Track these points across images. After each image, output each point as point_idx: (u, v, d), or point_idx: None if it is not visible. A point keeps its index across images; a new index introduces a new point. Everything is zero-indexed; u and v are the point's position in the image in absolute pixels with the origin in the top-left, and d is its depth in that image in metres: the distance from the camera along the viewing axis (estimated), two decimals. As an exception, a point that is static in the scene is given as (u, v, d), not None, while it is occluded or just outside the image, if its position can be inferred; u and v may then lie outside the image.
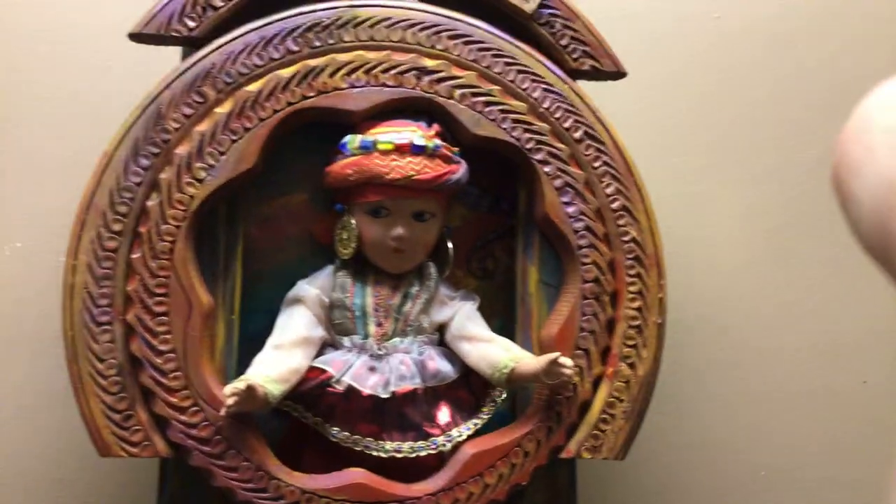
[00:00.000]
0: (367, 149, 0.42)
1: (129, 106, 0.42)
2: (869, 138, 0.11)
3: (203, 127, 0.41)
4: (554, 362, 0.41)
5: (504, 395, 0.45)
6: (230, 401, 0.38)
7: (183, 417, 0.39)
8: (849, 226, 0.12)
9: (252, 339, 0.44)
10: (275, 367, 0.41)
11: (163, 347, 0.40)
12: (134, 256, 0.40)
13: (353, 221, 0.44)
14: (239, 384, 0.38)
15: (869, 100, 0.11)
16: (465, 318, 0.45)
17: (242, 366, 0.42)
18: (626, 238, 0.45)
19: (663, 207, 0.46)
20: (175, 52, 0.45)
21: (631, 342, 0.45)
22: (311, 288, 0.44)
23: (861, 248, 0.11)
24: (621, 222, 0.45)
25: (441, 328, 0.46)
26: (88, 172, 0.41)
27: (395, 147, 0.42)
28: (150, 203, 0.40)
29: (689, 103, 0.60)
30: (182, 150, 0.41)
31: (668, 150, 0.59)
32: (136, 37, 0.42)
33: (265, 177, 0.44)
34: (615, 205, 0.45)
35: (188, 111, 0.41)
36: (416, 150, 0.42)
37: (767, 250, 0.59)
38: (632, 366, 0.45)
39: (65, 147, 0.51)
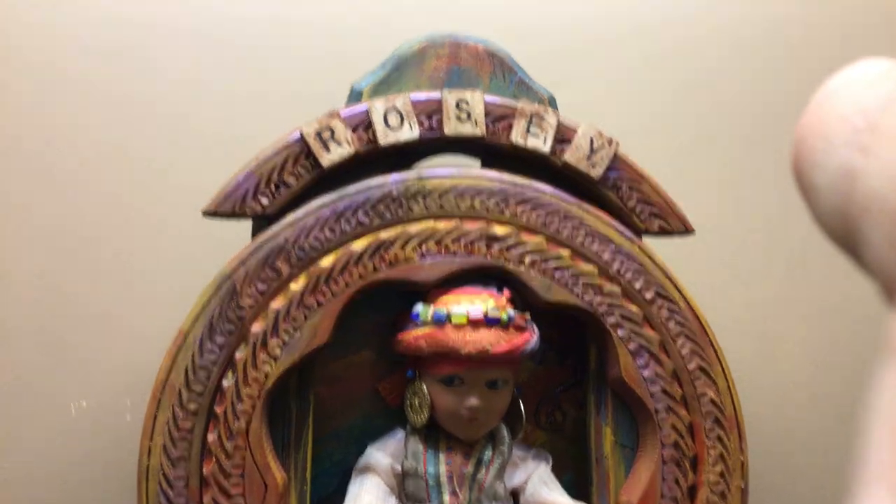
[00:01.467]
0: (441, 321, 0.42)
1: (200, 278, 0.42)
2: (826, 128, 0.11)
3: (278, 304, 0.41)
4: (638, 538, 0.40)
5: (584, 565, 0.43)
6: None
7: None
8: (811, 217, 0.12)
9: (323, 501, 0.43)
10: (349, 548, 0.40)
11: (238, 532, 0.39)
12: (210, 438, 0.40)
13: (426, 389, 0.43)
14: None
15: (824, 90, 0.11)
16: (540, 481, 0.44)
17: (315, 541, 0.41)
18: (704, 400, 0.44)
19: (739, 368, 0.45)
20: (244, 227, 0.45)
21: (715, 510, 0.43)
22: (382, 456, 0.43)
23: (828, 240, 0.11)
24: (698, 384, 0.44)
25: (515, 493, 0.44)
26: (157, 345, 0.41)
27: (470, 321, 0.41)
28: (225, 383, 0.40)
29: (759, 260, 0.59)
30: (257, 327, 0.41)
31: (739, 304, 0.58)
32: (210, 214, 0.43)
33: (332, 338, 0.44)
34: (691, 366, 0.44)
35: (262, 287, 0.42)
36: (491, 323, 0.42)
37: (843, 392, 0.58)
38: (717, 536, 0.43)
39: (133, 316, 0.52)
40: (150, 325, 0.51)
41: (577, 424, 0.48)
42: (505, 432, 0.45)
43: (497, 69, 0.48)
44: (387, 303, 0.45)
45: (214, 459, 0.40)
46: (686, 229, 0.46)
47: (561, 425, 0.48)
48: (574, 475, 0.47)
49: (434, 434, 0.44)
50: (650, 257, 0.45)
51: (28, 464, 0.50)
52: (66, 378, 0.51)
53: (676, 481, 0.43)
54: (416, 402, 0.43)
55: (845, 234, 0.11)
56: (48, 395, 0.51)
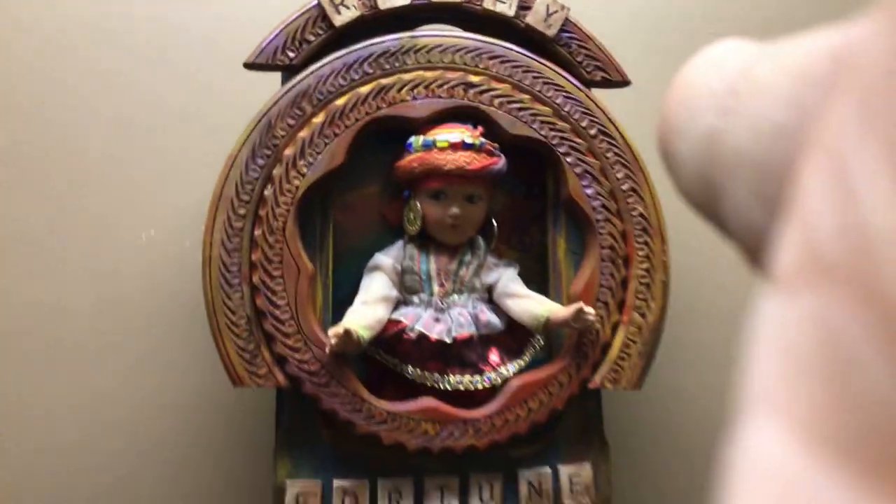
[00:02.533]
0: (429, 147, 0.54)
1: (242, 120, 0.54)
2: (690, 101, 0.12)
3: (303, 134, 0.53)
4: (580, 310, 0.53)
5: (541, 342, 0.57)
6: (333, 341, 0.50)
7: (297, 356, 0.51)
8: (676, 187, 0.12)
9: (341, 302, 0.56)
10: (364, 318, 0.53)
11: (280, 302, 0.52)
12: (256, 233, 0.52)
13: (418, 204, 0.55)
14: (339, 329, 0.50)
15: (690, 63, 0.12)
16: (508, 280, 0.57)
17: (336, 320, 0.54)
18: (634, 213, 0.56)
19: (664, 188, 0.57)
20: (274, 77, 0.57)
21: (641, 296, 0.56)
22: (386, 258, 0.56)
23: (691, 208, 0.12)
24: (630, 200, 0.56)
25: (489, 289, 0.57)
26: (210, 172, 0.53)
27: (451, 145, 0.54)
28: (266, 192, 0.53)
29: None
30: (289, 151, 0.53)
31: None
32: (249, 66, 0.55)
33: (347, 172, 0.56)
34: (625, 186, 0.56)
35: (291, 122, 0.54)
36: (467, 147, 0.54)
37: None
38: (643, 315, 0.56)
39: (190, 152, 0.63)
40: (201, 166, 0.63)
41: (541, 246, 0.60)
42: (481, 241, 0.57)
43: (474, -46, 0.59)
44: (389, 146, 0.57)
45: (260, 249, 0.52)
46: (624, 81, 0.58)
47: (529, 247, 0.61)
48: (538, 286, 0.59)
49: (426, 241, 0.56)
50: (594, 102, 0.57)
51: (107, 277, 0.62)
52: (137, 212, 0.63)
53: (612, 275, 0.56)
54: (412, 216, 0.56)
55: (708, 200, 0.12)
56: (124, 226, 0.63)
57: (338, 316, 0.54)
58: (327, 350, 0.51)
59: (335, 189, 0.56)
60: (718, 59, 0.11)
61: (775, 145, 0.10)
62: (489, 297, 0.57)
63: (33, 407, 0.60)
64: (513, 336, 0.57)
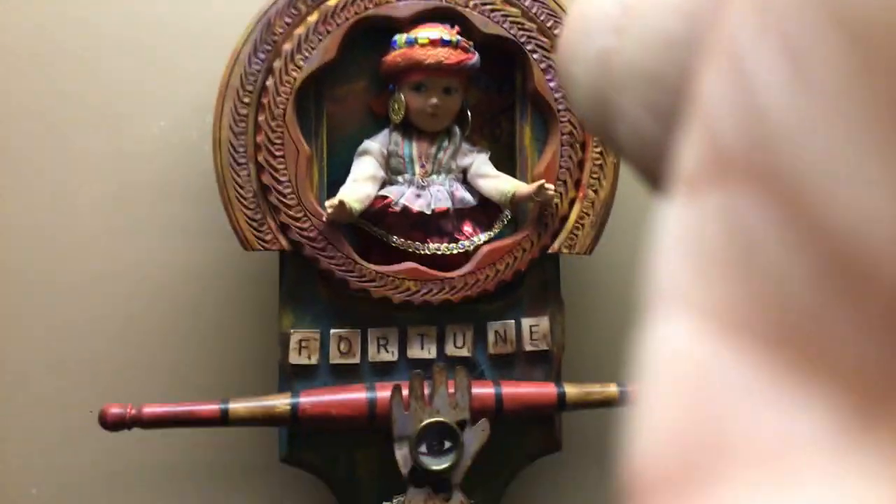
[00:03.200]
0: (411, 43, 0.61)
1: (243, 20, 0.61)
2: (585, 24, 0.12)
3: (300, 31, 0.61)
4: (541, 186, 0.61)
5: (509, 215, 0.65)
6: (329, 210, 0.58)
7: (298, 224, 0.60)
8: (574, 111, 0.13)
9: (333, 183, 0.64)
10: (355, 192, 0.61)
11: (282, 178, 0.60)
12: (260, 119, 0.60)
13: (402, 96, 0.63)
14: (335, 200, 0.59)
15: None
16: (481, 163, 0.65)
17: (330, 198, 0.63)
18: (591, 103, 0.64)
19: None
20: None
21: (595, 175, 0.65)
22: (374, 143, 0.64)
23: (589, 134, 0.13)
24: (588, 92, 0.64)
25: (464, 171, 0.66)
26: (215, 66, 0.61)
27: (430, 41, 0.61)
28: (268, 83, 0.60)
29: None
30: (287, 46, 0.60)
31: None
32: (250, -30, 0.61)
33: (338, 68, 0.64)
34: (583, 80, 0.64)
35: (289, 20, 0.61)
36: (445, 44, 0.61)
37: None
38: (595, 191, 0.65)
39: (196, 50, 0.71)
40: (205, 64, 0.70)
41: (510, 137, 0.68)
42: (456, 129, 0.65)
43: None
44: (376, 45, 0.64)
45: (263, 133, 0.60)
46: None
47: (499, 137, 0.69)
48: (506, 172, 0.67)
49: (408, 128, 0.65)
50: (558, 4, 0.64)
51: (127, 162, 0.70)
52: (150, 106, 0.70)
53: (570, 157, 0.64)
54: (396, 106, 0.64)
55: (603, 120, 0.12)
56: (139, 115, 0.70)
57: (332, 194, 0.63)
58: (324, 219, 0.60)
59: (328, 83, 0.64)
60: None
61: (667, 56, 0.10)
62: (464, 177, 0.66)
63: (59, 277, 0.69)
64: (484, 211, 0.65)
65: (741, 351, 0.08)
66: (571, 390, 0.62)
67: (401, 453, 0.58)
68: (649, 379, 0.09)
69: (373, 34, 0.63)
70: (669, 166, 0.10)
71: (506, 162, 0.67)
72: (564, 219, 0.64)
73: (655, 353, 0.09)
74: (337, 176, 0.65)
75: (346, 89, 0.66)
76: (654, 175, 0.11)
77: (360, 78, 0.66)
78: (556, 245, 0.64)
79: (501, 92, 0.68)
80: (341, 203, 0.59)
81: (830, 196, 0.08)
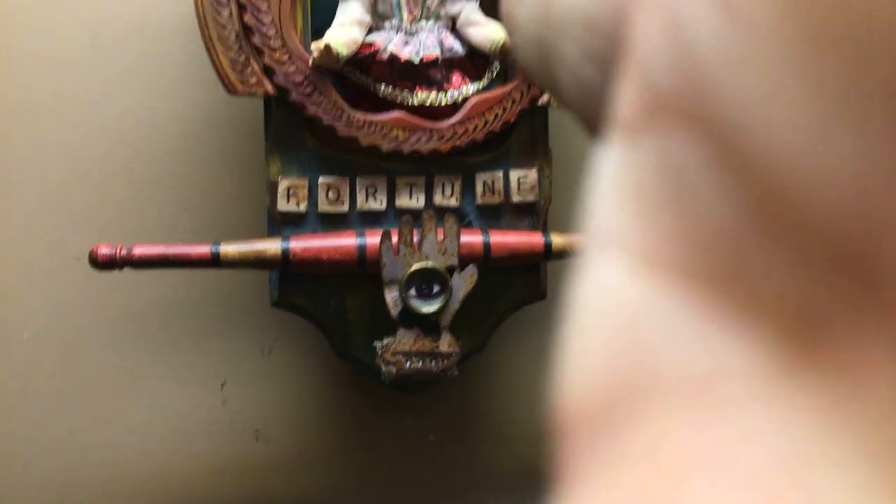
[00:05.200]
0: None
1: None
2: None
3: None
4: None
5: (498, 67, 0.64)
6: (315, 54, 0.57)
7: (283, 68, 0.59)
8: (517, 58, 0.13)
9: (317, 31, 0.62)
10: (342, 36, 0.60)
11: (265, 19, 0.58)
12: (242, -44, 0.58)
13: (391, -58, 0.61)
14: (321, 43, 0.57)
15: None
16: (470, 10, 0.64)
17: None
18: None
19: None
20: None
21: (588, 23, 0.63)
22: (361, -14, 0.62)
23: (529, 76, 0.13)
24: None
25: (453, 19, 0.64)
26: None
27: None
28: (248, -83, 0.57)
29: None
30: None
31: None
32: None
33: None
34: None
35: None
36: None
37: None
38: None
39: None
40: None
41: None
42: (446, -26, 0.63)
43: None
44: None
45: (245, -29, 0.58)
46: None
47: None
48: (495, 19, 0.66)
49: (396, -27, 0.62)
50: None
51: (103, 14, 0.68)
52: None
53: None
54: (383, -53, 0.61)
55: (544, 63, 0.12)
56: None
57: (317, 39, 0.61)
58: (310, 63, 0.58)
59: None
60: None
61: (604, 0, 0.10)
62: (453, 25, 0.64)
63: (44, 126, 0.68)
64: (473, 62, 0.64)
65: (670, 288, 0.08)
66: (557, 240, 0.63)
67: (391, 297, 0.60)
68: (579, 318, 0.09)
69: None
70: (606, 111, 0.10)
71: (494, 8, 0.65)
72: (555, 68, 0.63)
73: (587, 293, 0.09)
74: (322, 23, 0.63)
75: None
76: (593, 121, 0.11)
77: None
78: (545, 97, 0.63)
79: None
80: (327, 47, 0.57)
81: (759, 133, 0.08)
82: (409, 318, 0.60)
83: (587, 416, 0.09)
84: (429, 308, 0.60)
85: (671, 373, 0.08)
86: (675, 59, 0.08)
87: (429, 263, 0.59)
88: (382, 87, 0.62)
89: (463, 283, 0.61)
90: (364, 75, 0.62)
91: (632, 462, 0.08)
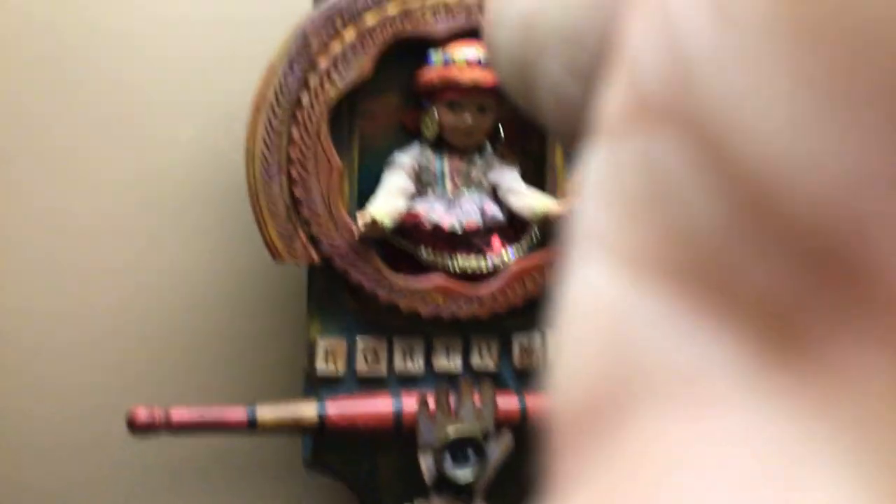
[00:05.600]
0: (448, 63, 0.62)
1: (274, 32, 0.62)
2: None
3: (335, 47, 0.61)
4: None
5: (537, 231, 0.66)
6: (361, 226, 0.59)
7: (328, 237, 0.61)
8: (497, 80, 0.13)
9: (363, 195, 0.65)
10: (386, 207, 0.62)
11: (314, 193, 0.61)
12: (294, 133, 0.61)
13: (436, 113, 0.64)
14: (366, 216, 0.60)
15: None
16: (511, 179, 0.66)
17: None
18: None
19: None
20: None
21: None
22: (406, 157, 0.65)
23: (511, 98, 0.12)
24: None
25: (494, 187, 0.66)
26: (245, 76, 0.62)
27: (467, 62, 0.62)
28: (302, 98, 0.61)
29: None
30: (323, 63, 0.61)
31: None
32: (288, -16, 0.62)
33: (371, 83, 0.64)
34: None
35: (325, 36, 0.61)
36: (482, 64, 0.62)
37: None
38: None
39: (227, 65, 0.72)
40: (240, 71, 0.71)
41: (539, 153, 0.69)
42: (488, 145, 0.66)
43: None
44: (410, 59, 0.65)
45: (297, 147, 0.61)
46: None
47: (529, 152, 0.70)
48: (536, 187, 0.68)
49: (440, 144, 0.65)
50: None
51: (153, 172, 0.72)
52: (177, 112, 0.71)
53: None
54: (429, 122, 0.64)
55: (524, 85, 0.12)
56: (166, 122, 0.71)
57: (362, 205, 0.64)
58: (355, 234, 0.61)
59: (360, 97, 0.64)
60: None
61: (588, 13, 0.10)
62: (494, 193, 0.66)
63: (90, 285, 0.70)
64: (514, 227, 0.66)
65: (653, 289, 0.08)
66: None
67: (425, 463, 0.59)
68: (566, 321, 0.09)
69: (408, 47, 0.63)
70: (591, 117, 0.10)
71: (535, 179, 0.68)
72: (592, 238, 0.65)
73: (572, 296, 0.09)
74: (367, 189, 0.66)
75: (378, 104, 0.66)
76: (574, 137, 0.11)
77: (392, 93, 0.66)
78: (582, 264, 0.65)
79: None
80: (373, 221, 0.59)
81: (746, 132, 0.08)
82: (444, 483, 0.59)
83: (577, 416, 0.09)
84: (465, 476, 0.59)
85: (656, 372, 0.08)
86: (664, 58, 0.08)
87: (465, 431, 0.59)
88: (424, 252, 0.64)
89: (498, 448, 0.61)
90: (406, 240, 0.64)
91: (618, 462, 0.08)
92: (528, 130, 0.68)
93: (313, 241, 0.61)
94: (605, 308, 0.09)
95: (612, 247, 0.09)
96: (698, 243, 0.08)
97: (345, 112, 0.63)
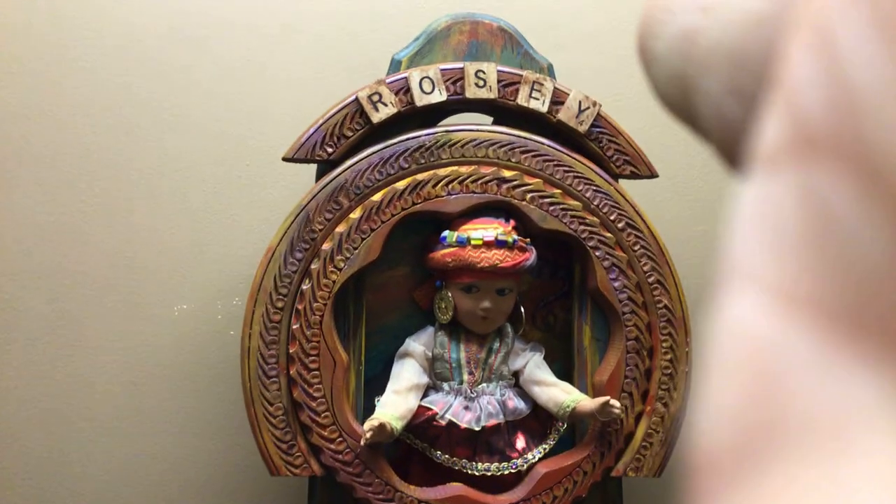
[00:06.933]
0: (463, 243, 0.56)
1: (278, 212, 0.56)
2: (671, 5, 0.12)
3: (341, 229, 0.55)
4: (606, 404, 0.54)
5: (565, 426, 0.58)
6: (368, 435, 0.52)
7: (332, 446, 0.53)
8: (653, 92, 0.12)
9: (371, 381, 0.58)
10: (396, 408, 0.54)
11: (316, 394, 0.54)
12: (294, 327, 0.54)
13: (450, 295, 0.57)
14: (374, 422, 0.52)
15: None
16: (535, 366, 0.59)
17: (367, 402, 0.56)
18: (659, 305, 0.58)
19: (688, 279, 0.59)
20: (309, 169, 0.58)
21: (664, 386, 0.58)
22: (417, 345, 0.58)
23: (666, 112, 0.12)
24: (656, 293, 0.58)
25: (516, 374, 0.59)
26: (248, 260, 0.55)
27: (484, 242, 0.55)
28: (304, 287, 0.54)
29: (716, 201, 0.72)
30: (326, 246, 0.55)
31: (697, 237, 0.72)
32: (288, 159, 0.56)
33: (380, 256, 0.58)
34: (651, 279, 0.58)
35: (329, 216, 0.55)
36: (500, 244, 0.55)
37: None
38: (665, 405, 0.58)
39: (223, 242, 0.65)
40: (233, 247, 0.65)
41: (565, 325, 0.62)
42: (509, 329, 0.59)
43: (507, 43, 0.60)
44: (420, 229, 0.58)
45: (297, 342, 0.54)
46: (652, 174, 0.59)
47: (552, 326, 0.63)
48: (562, 364, 0.61)
49: (456, 329, 0.58)
50: (623, 195, 0.58)
51: (143, 351, 0.64)
52: (170, 289, 0.65)
53: (636, 365, 0.58)
54: (443, 305, 0.58)
55: (683, 100, 0.12)
56: (157, 301, 0.65)
57: (369, 395, 0.56)
58: (362, 442, 0.53)
59: (368, 270, 0.58)
60: None
61: (751, 35, 0.10)
62: (516, 381, 0.59)
63: (64, 484, 0.62)
64: (538, 419, 0.59)
65: (808, 328, 0.08)
66: None
67: None
68: (716, 357, 0.09)
69: (419, 220, 0.57)
70: (747, 145, 0.10)
71: (561, 355, 0.61)
72: (630, 436, 0.57)
73: (723, 332, 0.09)
74: (375, 371, 0.59)
75: (386, 276, 0.60)
76: (733, 154, 0.11)
77: (402, 264, 0.60)
78: (620, 467, 0.57)
79: (555, 277, 0.62)
80: (381, 426, 0.52)
81: None
82: None
83: (720, 455, 0.08)
84: None
85: (804, 415, 0.08)
86: (830, 92, 0.08)
87: None
88: (439, 454, 0.56)
89: None
90: (419, 440, 0.56)
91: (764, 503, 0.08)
92: (550, 300, 0.62)
93: (314, 450, 0.54)
94: (754, 346, 0.09)
95: (764, 281, 0.09)
96: (861, 280, 0.08)
97: (350, 291, 0.57)
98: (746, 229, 0.09)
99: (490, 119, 0.60)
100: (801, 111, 0.08)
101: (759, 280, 0.09)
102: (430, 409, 0.56)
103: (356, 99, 0.56)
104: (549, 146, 0.58)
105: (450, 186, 0.56)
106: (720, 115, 0.11)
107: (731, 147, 0.11)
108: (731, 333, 0.09)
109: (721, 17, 0.11)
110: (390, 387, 0.56)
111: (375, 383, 0.57)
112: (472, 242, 0.55)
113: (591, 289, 0.59)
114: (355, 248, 0.55)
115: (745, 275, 0.09)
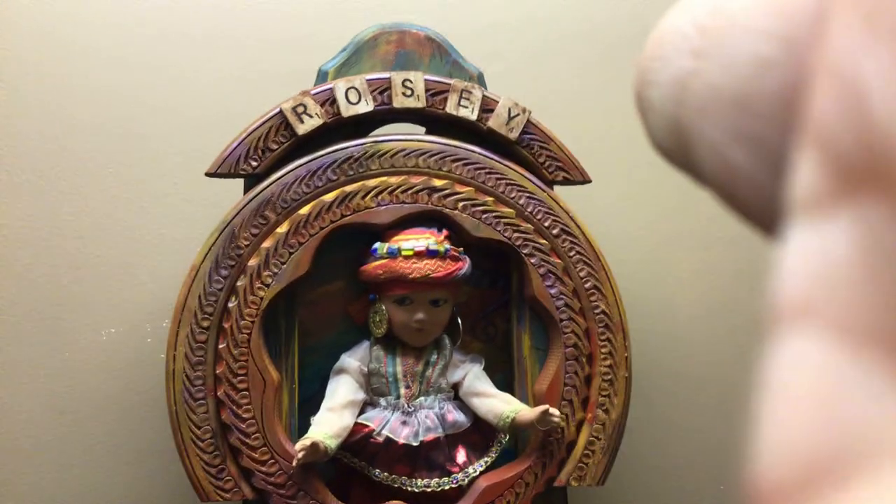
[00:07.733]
0: (394, 254, 0.54)
1: (202, 229, 0.54)
2: (662, 48, 0.12)
3: (268, 244, 0.53)
4: (545, 413, 0.53)
5: (507, 438, 0.57)
6: (300, 455, 0.50)
7: (263, 469, 0.52)
8: (649, 140, 0.12)
9: (307, 401, 0.56)
10: (330, 426, 0.53)
11: (246, 415, 0.52)
12: (220, 346, 0.52)
13: (384, 308, 0.56)
14: (306, 441, 0.50)
15: (665, 20, 0.12)
16: (474, 377, 0.58)
17: (302, 422, 0.54)
18: (597, 310, 0.57)
19: (626, 284, 0.59)
20: (236, 185, 0.57)
21: (605, 392, 0.57)
22: (352, 360, 0.56)
23: (664, 160, 0.12)
24: (593, 298, 0.57)
25: (455, 386, 0.58)
26: (167, 283, 0.53)
27: (416, 253, 0.54)
28: (230, 304, 0.53)
29: (651, 205, 0.72)
30: (253, 262, 0.53)
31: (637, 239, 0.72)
32: (211, 174, 0.55)
33: (312, 270, 0.56)
34: (587, 284, 0.57)
35: (255, 231, 0.54)
36: (431, 254, 0.54)
37: (718, 303, 0.72)
38: (606, 411, 0.57)
39: (149, 260, 0.63)
40: (162, 267, 0.63)
41: (505, 336, 0.61)
42: (446, 340, 0.58)
43: (436, 52, 0.59)
44: (353, 243, 0.57)
45: (225, 363, 0.52)
46: (584, 179, 0.59)
47: (493, 337, 0.62)
48: (504, 375, 0.60)
49: (392, 343, 0.57)
50: (556, 201, 0.58)
51: (70, 377, 0.62)
52: (97, 312, 0.62)
53: (576, 372, 0.57)
54: (377, 319, 0.56)
55: (680, 146, 0.12)
56: (84, 325, 0.62)
57: (304, 416, 0.54)
58: (294, 463, 0.51)
59: (300, 286, 0.56)
60: (688, 5, 0.11)
61: (758, 79, 0.10)
62: (455, 394, 0.58)
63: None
64: (480, 432, 0.57)
65: (873, 362, 0.08)
66: None
67: None
68: (777, 391, 0.09)
69: (350, 233, 0.56)
70: (759, 192, 0.10)
71: (502, 365, 0.60)
72: (572, 445, 0.56)
73: (783, 367, 0.09)
74: (311, 390, 0.57)
75: (319, 292, 0.58)
76: (741, 202, 0.11)
77: (337, 279, 0.59)
78: (562, 477, 0.56)
79: (495, 287, 0.61)
80: (314, 445, 0.50)
81: None
82: None
83: (788, 488, 0.08)
84: None
85: (868, 447, 0.08)
86: (862, 130, 0.08)
87: None
88: (377, 472, 0.54)
89: None
90: (357, 458, 0.55)
91: None
92: (489, 310, 0.61)
93: (245, 474, 0.52)
94: (818, 380, 0.08)
95: (827, 318, 0.09)
96: None
97: (281, 308, 0.55)
98: (798, 272, 0.09)
99: (423, 129, 0.59)
100: (834, 151, 0.08)
101: (818, 317, 0.09)
102: (366, 425, 0.55)
103: (280, 111, 0.55)
104: (480, 154, 0.57)
105: (379, 197, 0.55)
106: (725, 163, 0.11)
107: (736, 193, 0.11)
108: (792, 369, 0.09)
109: (717, 59, 0.11)
110: (325, 405, 0.55)
111: (312, 402, 0.56)
112: (403, 253, 0.54)
113: (528, 297, 0.58)
114: (283, 263, 0.54)
115: (802, 314, 0.09)
